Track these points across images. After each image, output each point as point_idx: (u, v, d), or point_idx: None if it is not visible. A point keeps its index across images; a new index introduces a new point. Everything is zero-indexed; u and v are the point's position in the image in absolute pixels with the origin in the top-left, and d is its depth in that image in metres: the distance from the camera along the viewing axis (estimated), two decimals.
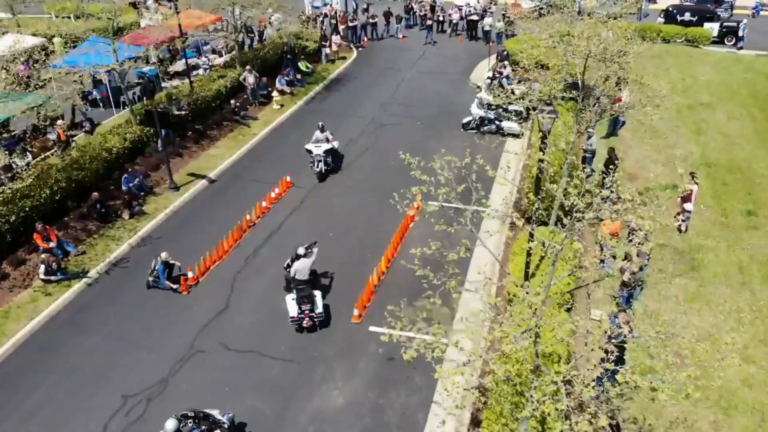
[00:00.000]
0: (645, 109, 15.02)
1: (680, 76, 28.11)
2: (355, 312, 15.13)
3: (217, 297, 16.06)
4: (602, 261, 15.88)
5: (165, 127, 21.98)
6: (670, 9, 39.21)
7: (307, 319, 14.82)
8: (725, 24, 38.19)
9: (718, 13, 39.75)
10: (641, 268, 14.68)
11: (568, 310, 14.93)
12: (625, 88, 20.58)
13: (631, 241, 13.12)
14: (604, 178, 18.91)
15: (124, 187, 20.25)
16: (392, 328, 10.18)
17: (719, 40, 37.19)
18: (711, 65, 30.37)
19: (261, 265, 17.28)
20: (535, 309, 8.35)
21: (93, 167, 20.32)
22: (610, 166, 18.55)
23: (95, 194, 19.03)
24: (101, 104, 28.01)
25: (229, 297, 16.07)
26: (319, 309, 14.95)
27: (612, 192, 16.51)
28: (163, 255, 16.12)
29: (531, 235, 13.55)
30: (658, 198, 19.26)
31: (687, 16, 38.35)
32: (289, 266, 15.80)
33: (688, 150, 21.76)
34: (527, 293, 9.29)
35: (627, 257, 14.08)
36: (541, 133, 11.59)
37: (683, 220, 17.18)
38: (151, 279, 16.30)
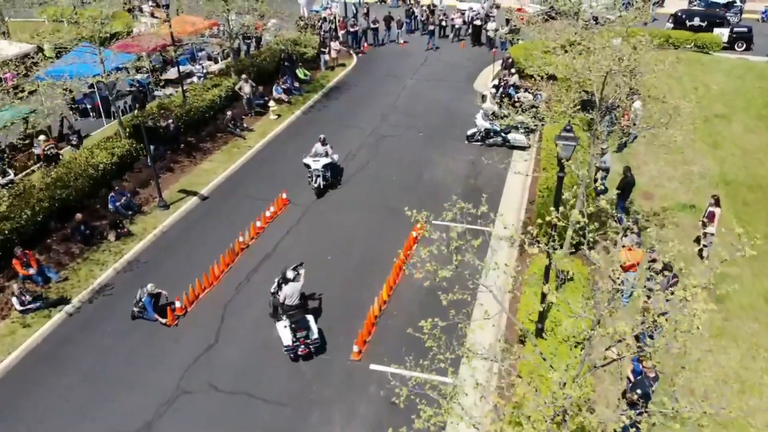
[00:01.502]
0: (667, 131, 13.94)
1: (692, 85, 27.02)
2: (355, 348, 14.04)
3: (206, 329, 14.98)
4: (619, 290, 14.85)
5: (155, 142, 20.89)
6: (679, 14, 38.10)
7: (302, 346, 13.87)
8: (735, 29, 37.15)
9: (728, 18, 38.70)
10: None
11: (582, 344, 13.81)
12: (636, 98, 19.56)
13: (655, 274, 11.97)
14: (618, 202, 17.94)
15: (110, 207, 19.18)
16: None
17: (729, 46, 36.18)
18: (723, 73, 29.29)
19: (253, 292, 16.19)
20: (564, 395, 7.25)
21: (78, 185, 19.24)
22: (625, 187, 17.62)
23: (79, 215, 17.95)
24: (92, 114, 26.96)
25: (219, 329, 14.98)
26: (315, 335, 13.99)
27: (635, 224, 15.52)
28: (149, 287, 15.03)
29: (547, 268, 12.43)
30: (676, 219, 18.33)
31: (696, 21, 37.24)
32: (277, 292, 14.76)
33: (705, 166, 20.67)
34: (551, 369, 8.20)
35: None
36: (558, 162, 10.54)
37: (705, 246, 16.09)
38: (136, 309, 15.22)
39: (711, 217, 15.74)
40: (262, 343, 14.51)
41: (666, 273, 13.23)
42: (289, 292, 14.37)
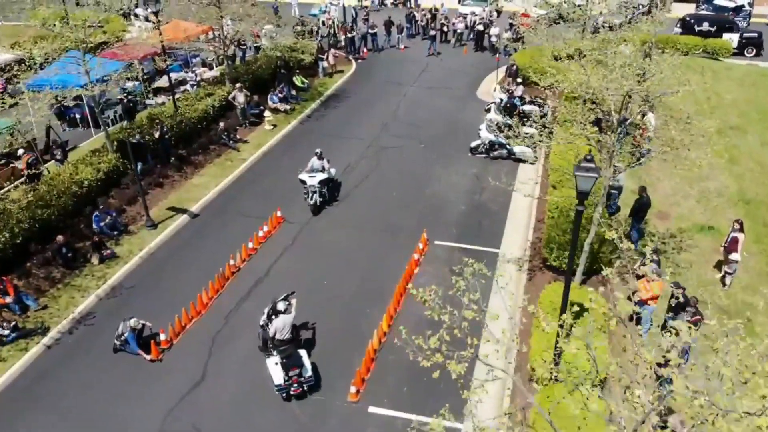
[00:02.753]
0: (689, 153, 12.90)
1: (705, 94, 25.96)
2: (352, 389, 12.97)
3: (193, 364, 13.92)
4: (636, 320, 13.83)
5: (143, 156, 19.83)
6: (688, 18, 37.09)
7: (295, 385, 12.82)
8: (745, 35, 36.18)
9: (737, 22, 37.70)
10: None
11: (600, 385, 12.75)
12: (649, 111, 18.53)
13: (679, 308, 10.98)
14: (633, 224, 16.90)
15: (94, 227, 18.13)
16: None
17: (738, 52, 35.21)
18: (736, 81, 28.25)
19: (243, 322, 15.13)
20: None
21: (61, 203, 18.17)
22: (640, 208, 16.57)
23: (60, 237, 16.90)
24: (80, 125, 25.93)
25: (206, 365, 13.92)
26: (309, 372, 12.98)
27: (654, 253, 14.47)
28: (132, 321, 13.97)
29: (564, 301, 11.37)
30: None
31: (705, 26, 36.23)
32: (267, 325, 13.71)
33: (722, 183, 19.63)
34: None
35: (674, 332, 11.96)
36: (578, 195, 9.52)
37: (728, 273, 15.04)
38: (117, 343, 14.18)
39: (734, 243, 14.68)
40: (252, 381, 13.45)
41: (688, 309, 12.20)
42: (280, 326, 13.34)
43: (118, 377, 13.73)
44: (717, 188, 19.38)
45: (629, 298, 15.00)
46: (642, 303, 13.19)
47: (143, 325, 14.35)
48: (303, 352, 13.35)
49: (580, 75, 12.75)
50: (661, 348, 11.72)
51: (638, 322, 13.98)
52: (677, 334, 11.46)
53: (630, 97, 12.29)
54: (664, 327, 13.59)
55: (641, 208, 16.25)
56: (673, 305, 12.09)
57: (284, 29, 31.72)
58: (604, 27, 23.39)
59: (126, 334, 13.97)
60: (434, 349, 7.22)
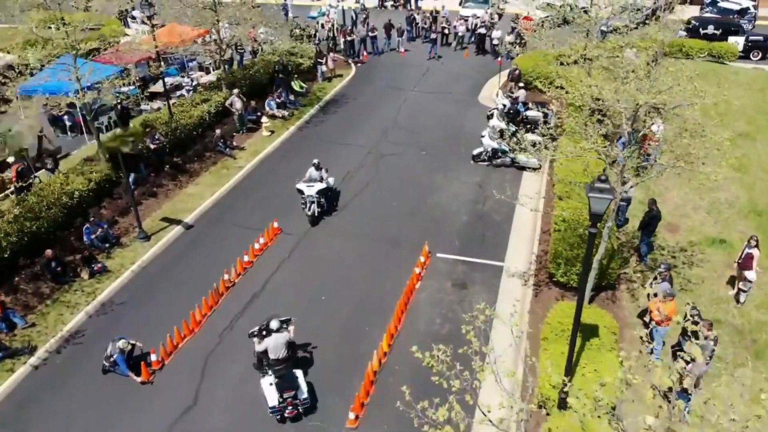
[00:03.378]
0: (705, 168, 12.33)
1: (712, 100, 25.36)
2: (351, 415, 12.37)
3: (184, 387, 13.33)
4: (651, 352, 13.27)
5: (136, 165, 19.21)
6: (693, 21, 36.46)
7: (290, 407, 12.31)
8: (751, 38, 35.57)
9: (743, 25, 37.10)
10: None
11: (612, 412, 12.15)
12: (656, 118, 17.94)
13: (694, 335, 10.32)
14: (642, 237, 16.31)
15: (85, 240, 17.55)
16: None
17: (744, 55, 34.61)
18: (743, 87, 27.65)
19: (237, 342, 14.51)
20: None
21: (51, 215, 17.59)
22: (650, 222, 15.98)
23: (49, 251, 16.30)
24: (70, 131, 25.32)
25: (199, 387, 13.33)
26: (304, 394, 12.49)
27: (667, 271, 13.88)
28: (121, 343, 13.37)
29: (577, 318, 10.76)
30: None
31: (710, 29, 35.63)
32: (254, 335, 13.07)
33: (732, 193, 19.02)
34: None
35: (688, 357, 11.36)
36: (591, 217, 8.94)
37: (742, 290, 14.45)
38: (107, 364, 13.60)
39: (749, 259, 14.09)
40: (246, 405, 12.86)
41: (707, 333, 11.60)
42: (272, 345, 12.72)
43: (106, 402, 13.13)
44: (727, 199, 18.79)
45: (640, 317, 14.50)
46: (654, 324, 12.61)
47: (133, 345, 13.76)
48: (299, 373, 12.83)
49: (591, 88, 12.16)
50: (674, 372, 11.06)
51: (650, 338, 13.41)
52: (692, 361, 10.86)
53: (641, 108, 11.72)
54: (676, 349, 13.04)
55: (651, 221, 15.67)
56: (688, 330, 11.48)
57: (280, 31, 30.97)
58: (614, 32, 22.81)
59: (115, 356, 13.38)
60: (443, 422, 6.61)
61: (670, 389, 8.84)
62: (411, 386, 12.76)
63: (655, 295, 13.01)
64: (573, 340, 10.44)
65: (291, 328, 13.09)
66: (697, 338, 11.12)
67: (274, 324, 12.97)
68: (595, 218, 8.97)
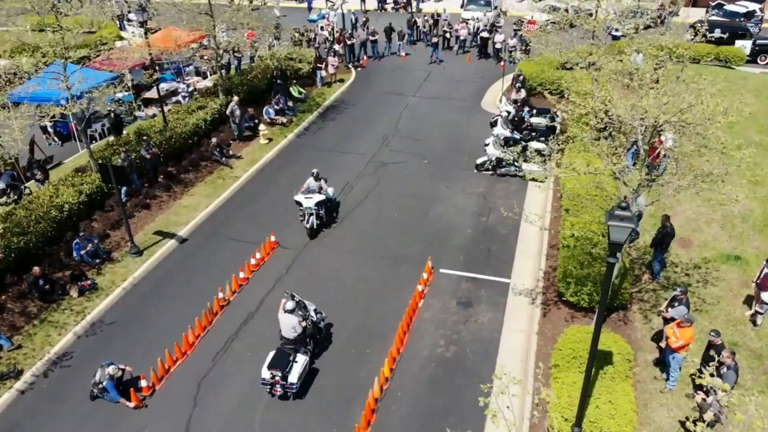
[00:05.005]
0: (724, 186, 11.69)
1: (720, 108, 24.72)
2: None
3: (176, 415, 12.66)
4: (667, 378, 12.61)
5: (126, 182, 18.53)
6: (699, 24, 35.73)
7: (278, 386, 12.68)
8: (758, 41, 34.92)
9: (749, 28, 36.44)
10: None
11: None
12: (667, 131, 17.29)
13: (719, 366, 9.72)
14: (655, 254, 15.64)
15: (75, 255, 16.89)
16: None
17: (751, 59, 33.98)
18: (753, 92, 26.91)
19: (232, 364, 13.90)
20: None
21: (39, 230, 16.96)
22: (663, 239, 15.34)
23: (36, 269, 15.63)
24: (55, 139, 24.71)
25: (191, 416, 12.66)
26: (293, 380, 12.62)
27: (683, 294, 13.21)
28: (110, 369, 12.72)
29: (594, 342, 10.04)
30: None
31: (717, 33, 34.94)
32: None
33: (746, 207, 18.33)
34: None
35: (709, 390, 10.73)
36: (610, 246, 8.29)
37: (759, 312, 13.79)
38: (95, 390, 12.94)
39: (767, 279, 13.43)
40: None
41: (728, 362, 10.95)
42: (283, 322, 13.22)
43: (95, 430, 12.48)
44: (741, 212, 18.11)
45: (653, 340, 13.84)
46: (671, 351, 11.96)
47: (123, 370, 13.11)
48: (300, 359, 12.97)
49: (605, 103, 11.50)
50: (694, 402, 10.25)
51: (663, 363, 12.78)
52: (711, 393, 10.16)
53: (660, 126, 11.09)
54: (696, 376, 12.39)
55: (664, 238, 15.00)
56: (710, 355, 10.83)
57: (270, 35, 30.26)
58: (624, 36, 22.17)
59: (104, 383, 12.73)
60: None
61: (694, 422, 8.26)
62: (414, 414, 12.18)
63: (672, 319, 12.35)
64: (588, 376, 9.77)
65: (312, 308, 13.94)
66: (719, 370, 10.50)
67: (288, 304, 13.22)
68: (615, 247, 8.31)
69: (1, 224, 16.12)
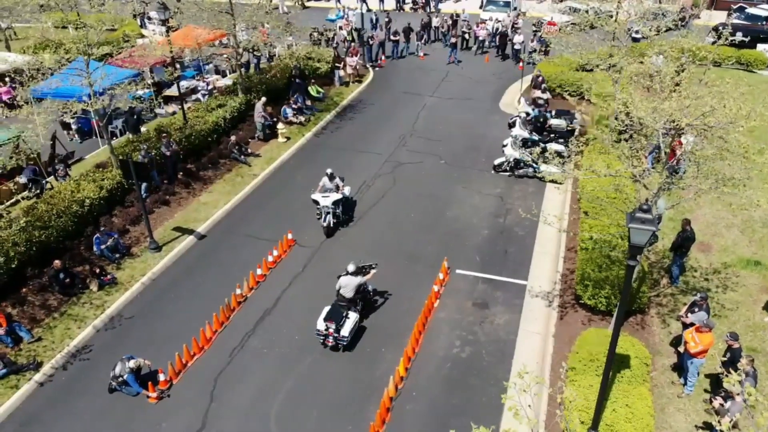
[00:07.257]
0: (745, 191, 11.58)
1: (743, 111, 24.42)
2: None
3: (192, 410, 12.79)
4: (684, 383, 12.52)
5: (146, 178, 18.72)
6: (721, 28, 35.35)
7: (330, 338, 13.91)
8: None
9: None
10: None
11: None
12: (687, 134, 17.14)
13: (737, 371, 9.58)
14: (675, 259, 15.52)
15: (95, 250, 17.11)
16: None
17: None
18: None
19: (249, 360, 14.00)
20: None
21: (60, 224, 17.18)
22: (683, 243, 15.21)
23: (57, 262, 15.87)
24: (81, 135, 24.99)
25: (207, 411, 12.78)
26: (345, 333, 13.78)
27: (703, 300, 13.11)
28: (132, 363, 12.89)
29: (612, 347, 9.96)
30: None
31: (739, 36, 34.51)
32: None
33: (767, 212, 18.08)
34: None
35: (727, 394, 10.64)
36: (630, 249, 8.25)
37: None
38: (114, 383, 13.10)
39: None
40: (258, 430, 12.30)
41: (747, 369, 10.82)
42: (344, 283, 14.45)
43: (111, 423, 12.62)
44: (761, 217, 17.91)
45: (672, 345, 13.73)
46: (689, 356, 11.86)
47: (142, 364, 13.26)
48: (352, 315, 14.11)
49: (627, 105, 11.44)
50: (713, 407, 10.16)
51: (681, 368, 12.68)
52: (731, 398, 10.07)
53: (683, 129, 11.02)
54: (714, 382, 12.31)
55: (684, 242, 14.87)
56: (728, 360, 10.73)
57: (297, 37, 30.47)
58: (645, 38, 22.02)
59: (125, 375, 12.89)
60: None
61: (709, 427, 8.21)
62: (429, 413, 12.18)
63: (692, 324, 12.25)
64: (605, 379, 9.72)
65: (372, 271, 15.17)
66: (739, 376, 10.40)
67: (350, 267, 14.55)
68: (636, 250, 8.26)
69: (23, 218, 16.39)
